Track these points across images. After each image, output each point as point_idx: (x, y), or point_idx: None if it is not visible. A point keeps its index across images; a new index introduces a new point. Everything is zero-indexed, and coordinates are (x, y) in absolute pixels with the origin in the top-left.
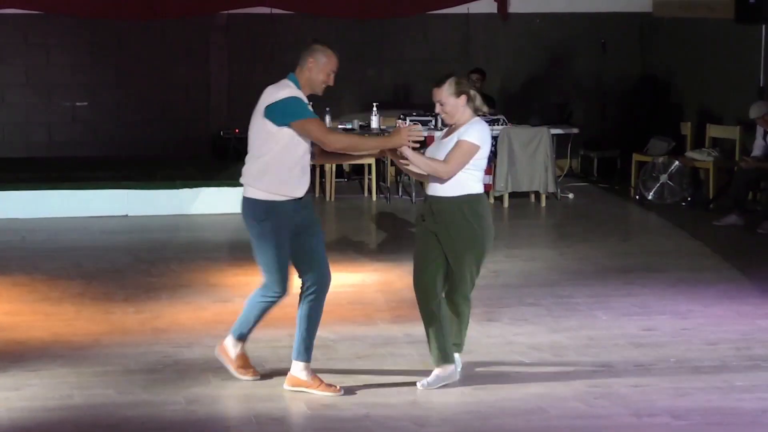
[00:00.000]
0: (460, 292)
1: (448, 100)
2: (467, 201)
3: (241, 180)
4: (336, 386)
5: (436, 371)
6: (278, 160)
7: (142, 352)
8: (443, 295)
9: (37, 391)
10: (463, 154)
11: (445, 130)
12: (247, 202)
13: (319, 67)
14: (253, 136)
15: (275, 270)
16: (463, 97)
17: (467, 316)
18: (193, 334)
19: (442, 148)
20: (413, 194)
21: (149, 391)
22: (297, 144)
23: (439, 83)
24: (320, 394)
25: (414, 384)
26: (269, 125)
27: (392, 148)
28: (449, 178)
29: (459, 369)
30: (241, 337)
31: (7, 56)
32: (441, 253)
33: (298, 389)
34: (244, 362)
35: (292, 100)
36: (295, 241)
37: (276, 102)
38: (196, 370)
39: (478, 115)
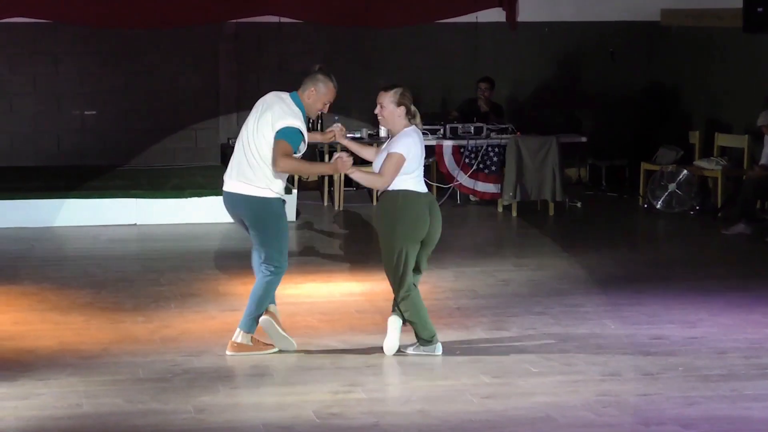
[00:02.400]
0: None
1: (388, 106)
2: (385, 197)
3: (240, 179)
4: (272, 345)
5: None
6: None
7: (151, 361)
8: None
9: (46, 400)
10: (393, 164)
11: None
12: (248, 199)
13: (318, 97)
14: (262, 143)
15: (278, 243)
16: (402, 108)
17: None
18: (202, 342)
19: (379, 158)
20: None
21: (158, 400)
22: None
23: (387, 89)
24: (261, 354)
25: (422, 392)
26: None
27: (332, 173)
28: (386, 187)
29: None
30: (251, 328)
31: (15, 65)
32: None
33: (241, 353)
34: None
35: (291, 130)
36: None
37: (286, 128)
38: (206, 379)
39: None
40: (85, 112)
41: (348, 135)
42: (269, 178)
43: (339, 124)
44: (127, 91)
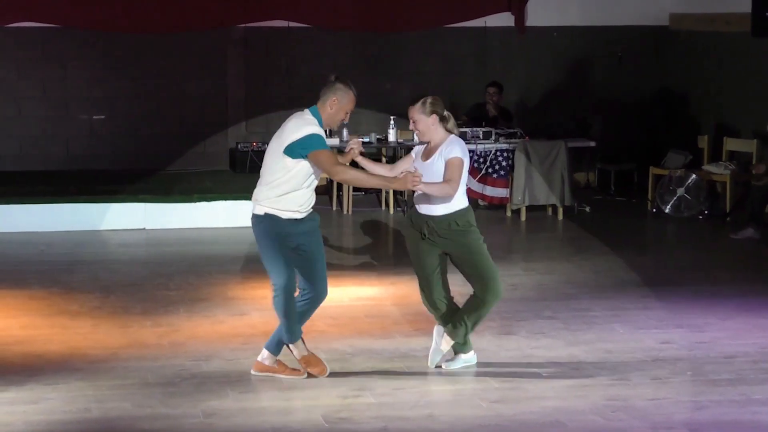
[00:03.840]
0: (491, 290)
1: (420, 118)
2: (458, 216)
3: (254, 201)
4: (300, 370)
5: (462, 356)
6: (293, 188)
7: (159, 366)
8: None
9: (55, 405)
10: (458, 168)
11: (421, 150)
12: (255, 219)
13: (340, 106)
14: (271, 164)
15: (273, 264)
16: (434, 117)
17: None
18: (210, 347)
19: (428, 170)
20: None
21: (167, 405)
22: (309, 173)
23: (414, 102)
24: (286, 378)
25: (431, 397)
26: (288, 161)
27: (400, 189)
28: (455, 193)
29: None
30: (293, 337)
31: (24, 70)
32: (440, 263)
33: (265, 374)
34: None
35: (313, 137)
36: (295, 254)
37: (297, 140)
38: (214, 384)
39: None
40: (94, 117)
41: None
42: (274, 197)
43: (357, 142)
44: (135, 96)
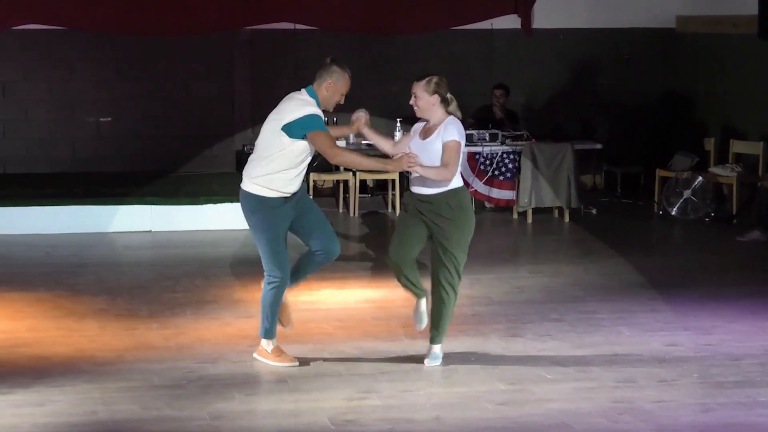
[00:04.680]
0: (443, 275)
1: (422, 95)
2: (452, 195)
3: (245, 175)
4: (292, 358)
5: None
6: (284, 166)
7: (166, 368)
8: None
9: (62, 407)
10: (455, 152)
11: (420, 127)
12: (243, 194)
13: (336, 88)
14: (267, 139)
15: (272, 256)
16: (436, 96)
17: (450, 306)
18: (217, 349)
19: (425, 149)
20: None
21: (174, 407)
22: (303, 153)
23: (420, 78)
24: (275, 364)
25: (437, 399)
26: (284, 138)
27: (396, 171)
28: (453, 177)
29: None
30: (268, 334)
31: (30, 71)
32: (423, 235)
33: (261, 359)
34: (279, 351)
35: (312, 117)
36: (296, 223)
37: (296, 120)
38: (221, 386)
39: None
40: (100, 119)
41: (363, 142)
42: (264, 175)
43: (364, 111)
44: (142, 98)
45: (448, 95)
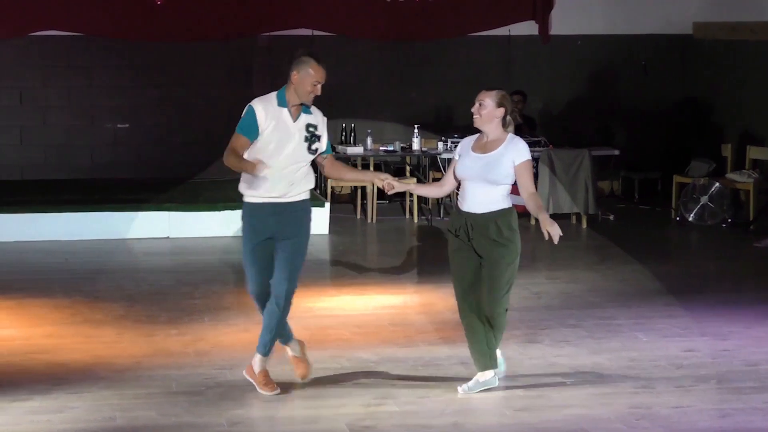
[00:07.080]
0: (495, 299)
1: (489, 105)
2: (501, 215)
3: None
4: (273, 385)
5: (477, 376)
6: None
7: (184, 374)
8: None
9: (80, 414)
10: (531, 172)
11: (470, 143)
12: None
13: (300, 78)
14: None
15: (248, 267)
16: (501, 110)
17: (502, 328)
18: (235, 355)
19: (489, 164)
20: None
21: (192, 413)
22: (267, 149)
23: (491, 89)
24: (258, 391)
25: (455, 405)
26: None
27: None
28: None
29: (501, 373)
30: (260, 348)
31: (49, 78)
32: (477, 265)
33: (248, 379)
34: (265, 376)
35: (245, 111)
36: (269, 245)
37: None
38: (239, 392)
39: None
40: (118, 126)
41: (381, 148)
42: (245, 175)
43: (392, 181)
44: (160, 105)
45: (509, 117)
